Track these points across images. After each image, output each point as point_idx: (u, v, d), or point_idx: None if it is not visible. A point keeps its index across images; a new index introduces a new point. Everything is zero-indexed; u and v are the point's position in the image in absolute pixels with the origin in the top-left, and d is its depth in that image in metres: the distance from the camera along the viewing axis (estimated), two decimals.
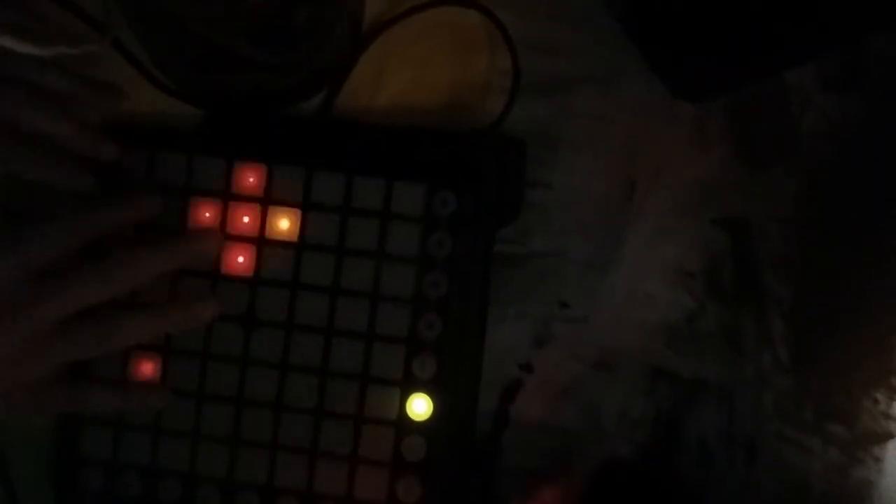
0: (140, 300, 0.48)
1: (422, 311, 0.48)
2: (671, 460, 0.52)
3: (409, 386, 0.48)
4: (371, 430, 0.48)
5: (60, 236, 0.43)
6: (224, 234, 0.49)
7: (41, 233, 0.42)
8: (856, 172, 0.53)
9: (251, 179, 0.49)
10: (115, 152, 0.47)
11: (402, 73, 0.52)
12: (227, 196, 0.49)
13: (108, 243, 0.45)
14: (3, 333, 0.41)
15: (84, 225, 0.44)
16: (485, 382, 0.50)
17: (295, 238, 0.49)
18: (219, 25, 0.42)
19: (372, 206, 0.48)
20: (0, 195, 0.45)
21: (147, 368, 0.49)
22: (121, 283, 0.44)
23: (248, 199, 0.49)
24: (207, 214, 0.49)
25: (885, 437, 0.52)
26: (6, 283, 0.41)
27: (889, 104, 0.53)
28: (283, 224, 0.49)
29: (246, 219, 0.49)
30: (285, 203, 0.49)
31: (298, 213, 0.49)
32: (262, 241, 0.49)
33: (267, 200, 0.49)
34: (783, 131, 0.53)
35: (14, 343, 0.41)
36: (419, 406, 0.48)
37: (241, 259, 0.49)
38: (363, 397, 0.48)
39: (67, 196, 0.46)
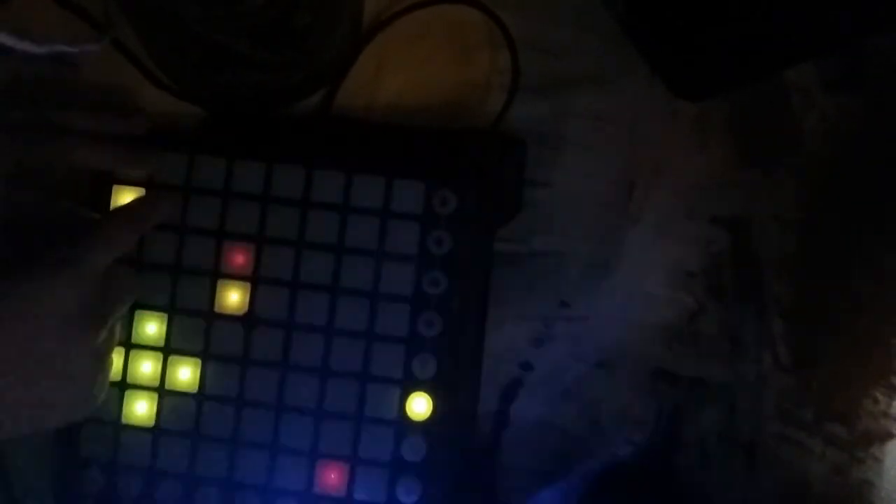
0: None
1: (421, 310, 0.48)
2: (671, 460, 0.51)
3: (409, 385, 0.48)
4: (371, 429, 0.48)
5: (110, 247, 0.45)
6: (224, 233, 0.49)
7: (93, 248, 0.44)
8: (856, 172, 0.53)
9: (251, 178, 0.49)
10: (156, 164, 0.50)
11: (402, 72, 0.52)
12: (227, 195, 0.49)
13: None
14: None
15: (128, 233, 0.47)
16: (485, 382, 0.50)
17: (294, 237, 0.49)
18: (219, 25, 0.42)
19: (371, 204, 0.48)
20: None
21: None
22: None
23: (247, 197, 0.49)
24: (207, 213, 0.49)
25: (886, 436, 0.52)
26: (69, 301, 0.43)
27: (889, 104, 0.53)
28: (283, 222, 0.49)
29: (245, 217, 0.49)
30: (285, 201, 0.49)
31: (298, 211, 0.49)
32: (261, 240, 0.49)
33: (266, 199, 0.49)
34: (783, 131, 0.53)
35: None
36: (419, 406, 0.48)
37: (240, 258, 0.49)
38: (363, 397, 0.48)
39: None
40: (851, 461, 0.52)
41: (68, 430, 0.49)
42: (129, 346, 0.49)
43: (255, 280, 0.49)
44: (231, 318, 0.49)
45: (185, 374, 0.49)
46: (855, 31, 0.51)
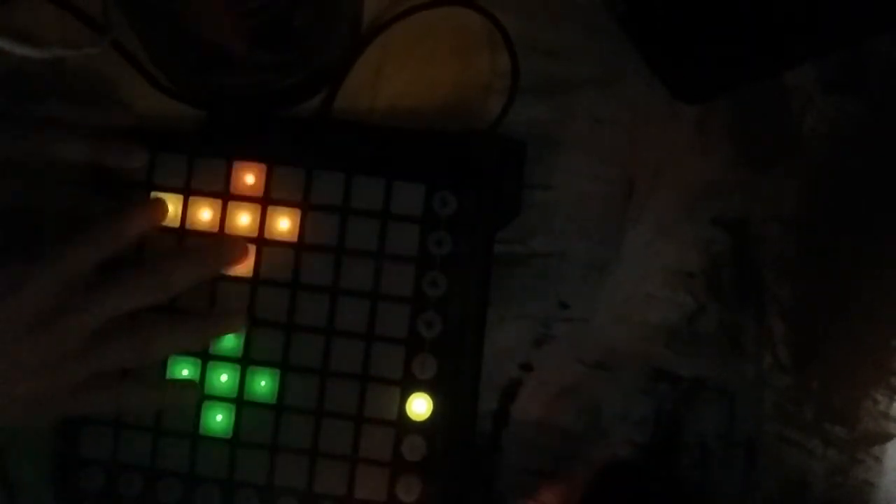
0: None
1: (421, 311, 0.48)
2: (671, 460, 0.51)
3: (409, 386, 0.48)
4: (371, 430, 0.48)
5: (93, 247, 0.44)
6: (224, 234, 0.49)
7: (75, 244, 0.44)
8: (856, 172, 0.53)
9: (251, 179, 0.49)
10: (144, 157, 0.49)
11: (402, 74, 0.52)
12: (227, 196, 0.49)
13: (145, 254, 0.47)
14: (42, 342, 0.42)
15: (114, 234, 0.45)
16: (485, 382, 0.50)
17: (295, 238, 0.49)
18: (219, 25, 0.42)
19: (371, 205, 0.48)
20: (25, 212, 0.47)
21: None
22: (155, 292, 0.45)
23: (247, 199, 0.49)
24: (207, 215, 0.49)
25: (885, 437, 0.52)
26: (44, 295, 0.42)
27: (889, 104, 0.53)
28: (283, 224, 0.49)
29: (246, 219, 0.49)
30: (285, 203, 0.49)
31: (298, 212, 0.49)
32: (261, 242, 0.49)
33: (267, 200, 0.49)
34: (783, 131, 0.53)
35: (53, 351, 0.43)
36: (419, 406, 0.48)
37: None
38: (363, 397, 0.48)
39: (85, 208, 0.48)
40: (851, 461, 0.52)
41: (68, 429, 0.49)
42: None
43: (254, 282, 0.49)
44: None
45: (185, 375, 0.49)
46: (855, 31, 0.51)
